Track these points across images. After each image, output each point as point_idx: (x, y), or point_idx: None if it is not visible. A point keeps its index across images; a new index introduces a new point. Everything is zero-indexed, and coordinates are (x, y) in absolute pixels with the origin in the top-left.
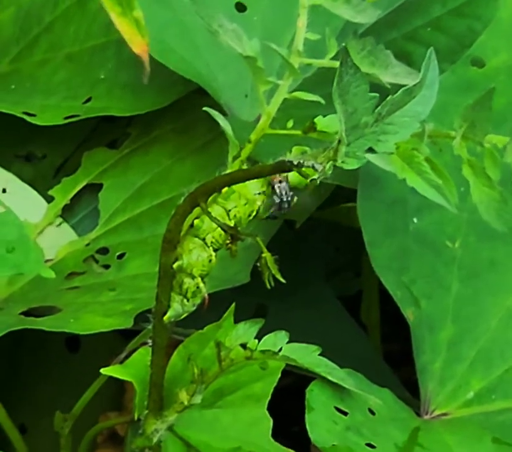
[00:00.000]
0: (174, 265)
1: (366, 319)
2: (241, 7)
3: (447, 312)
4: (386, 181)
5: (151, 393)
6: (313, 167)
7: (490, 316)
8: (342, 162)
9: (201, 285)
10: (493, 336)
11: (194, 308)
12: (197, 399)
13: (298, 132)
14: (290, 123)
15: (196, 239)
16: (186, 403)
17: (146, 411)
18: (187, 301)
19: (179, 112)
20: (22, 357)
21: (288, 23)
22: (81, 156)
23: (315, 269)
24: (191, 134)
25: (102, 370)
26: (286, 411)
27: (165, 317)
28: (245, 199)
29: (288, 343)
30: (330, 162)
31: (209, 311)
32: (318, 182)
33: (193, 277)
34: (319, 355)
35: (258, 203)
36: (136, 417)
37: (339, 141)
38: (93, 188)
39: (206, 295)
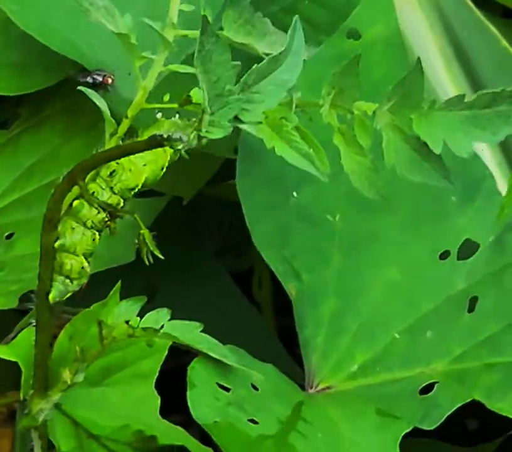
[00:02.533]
0: (56, 244)
1: (258, 295)
2: None
3: (329, 285)
4: (265, 155)
5: (36, 373)
6: (180, 138)
7: (372, 288)
8: (207, 131)
9: (86, 264)
10: (375, 309)
11: (79, 288)
12: (80, 378)
13: (175, 106)
14: (166, 97)
15: (77, 218)
16: (69, 382)
17: (31, 391)
18: (71, 281)
19: (69, 91)
20: None
21: None
22: None
23: (206, 245)
24: (80, 112)
25: None
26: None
27: (50, 298)
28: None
29: (172, 320)
30: (195, 132)
31: (99, 290)
32: (183, 152)
33: (76, 256)
34: (202, 331)
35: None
36: (22, 397)
37: (203, 111)
38: None
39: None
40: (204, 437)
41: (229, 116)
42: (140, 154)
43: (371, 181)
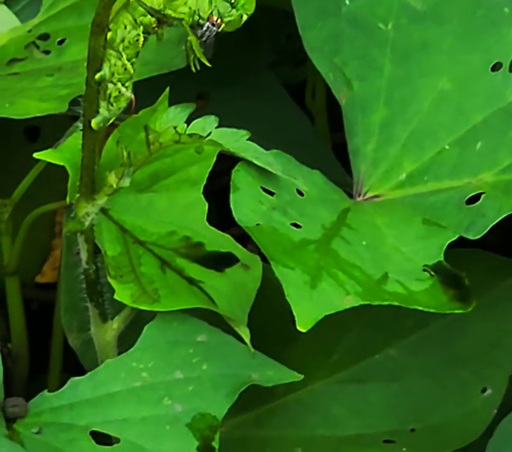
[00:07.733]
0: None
1: (311, 105)
2: None
3: (379, 94)
4: None
5: (82, 177)
6: None
7: (422, 98)
8: None
9: (123, 89)
10: (425, 118)
11: (120, 111)
12: (126, 183)
13: None
14: None
15: (126, 19)
16: (114, 186)
17: (78, 195)
18: (112, 105)
19: None
20: None
21: None
22: None
23: (262, 56)
24: None
25: (35, 154)
26: None
27: (93, 124)
28: None
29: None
30: None
31: (149, 97)
32: None
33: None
34: (250, 139)
35: None
36: (68, 201)
37: None
38: None
39: (132, 97)
40: (262, 252)
41: None
42: None
43: None
